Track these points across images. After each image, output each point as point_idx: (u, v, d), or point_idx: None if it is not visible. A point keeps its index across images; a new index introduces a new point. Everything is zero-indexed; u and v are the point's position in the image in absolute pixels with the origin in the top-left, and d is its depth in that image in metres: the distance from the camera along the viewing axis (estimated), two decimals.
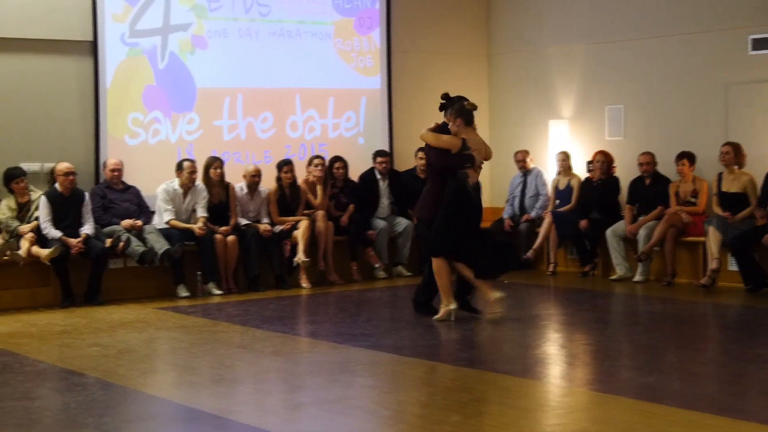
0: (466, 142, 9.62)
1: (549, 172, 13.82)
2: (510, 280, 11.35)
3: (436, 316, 9.66)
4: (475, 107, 9.79)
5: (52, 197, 11.27)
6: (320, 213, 12.56)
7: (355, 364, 8.08)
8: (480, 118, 14.84)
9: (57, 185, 11.34)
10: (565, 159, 13.39)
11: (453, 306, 9.65)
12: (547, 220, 13.13)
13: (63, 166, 11.36)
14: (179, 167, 12.06)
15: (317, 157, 12.97)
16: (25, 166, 11.56)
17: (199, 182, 12.17)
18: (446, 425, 6.29)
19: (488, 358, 8.57)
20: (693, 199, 12.10)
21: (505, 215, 13.73)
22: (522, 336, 9.28)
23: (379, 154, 13.42)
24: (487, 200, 14.31)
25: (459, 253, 9.64)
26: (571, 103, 13.96)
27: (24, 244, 11.04)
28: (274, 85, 13.37)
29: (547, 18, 14.26)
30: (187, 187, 12.02)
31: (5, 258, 10.93)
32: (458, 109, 9.66)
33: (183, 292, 11.67)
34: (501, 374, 7.64)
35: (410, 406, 6.85)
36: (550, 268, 13.09)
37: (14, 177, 11.28)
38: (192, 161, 12.16)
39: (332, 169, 13.10)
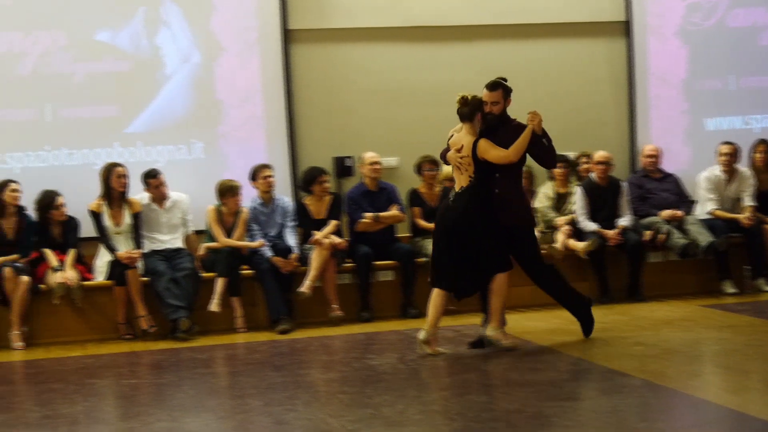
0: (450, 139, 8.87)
1: None
2: None
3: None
4: (464, 101, 8.68)
5: (589, 188, 11.38)
6: None
7: None
8: None
9: (593, 175, 11.45)
10: None
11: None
12: None
13: (599, 154, 11.45)
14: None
15: None
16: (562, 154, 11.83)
17: (746, 168, 11.78)
18: None
19: None
20: None
21: None
22: None
23: None
24: None
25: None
26: None
27: (560, 237, 11.28)
28: None
29: None
30: (729, 173, 11.68)
31: (542, 252, 11.19)
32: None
33: (729, 288, 11.34)
34: None
35: None
36: None
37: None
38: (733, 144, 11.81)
39: None
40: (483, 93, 8.71)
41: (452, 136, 8.83)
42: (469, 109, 8.67)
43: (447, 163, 8.93)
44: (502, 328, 8.77)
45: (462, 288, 8.76)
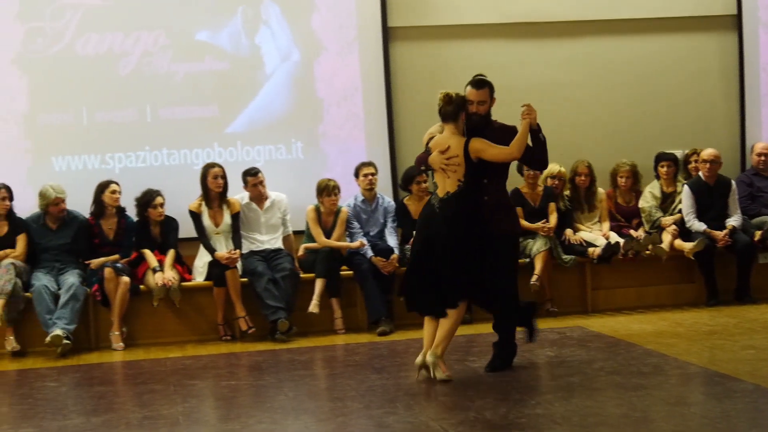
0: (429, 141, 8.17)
1: None
2: None
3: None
4: (448, 100, 7.98)
5: (696, 187, 11.21)
6: None
7: None
8: None
9: (700, 174, 11.28)
10: None
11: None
12: None
13: (708, 152, 11.26)
14: None
15: None
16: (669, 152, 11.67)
17: None
18: None
19: None
20: None
21: None
22: None
23: None
24: None
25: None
26: None
27: (666, 238, 11.12)
28: None
29: None
30: None
31: (647, 252, 11.06)
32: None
33: None
34: None
35: None
36: None
37: (661, 160, 11.49)
38: None
39: None
40: (468, 91, 8.06)
41: (430, 139, 8.20)
42: (453, 108, 7.99)
43: (428, 168, 8.20)
44: (443, 356, 7.97)
45: (427, 303, 8.04)
